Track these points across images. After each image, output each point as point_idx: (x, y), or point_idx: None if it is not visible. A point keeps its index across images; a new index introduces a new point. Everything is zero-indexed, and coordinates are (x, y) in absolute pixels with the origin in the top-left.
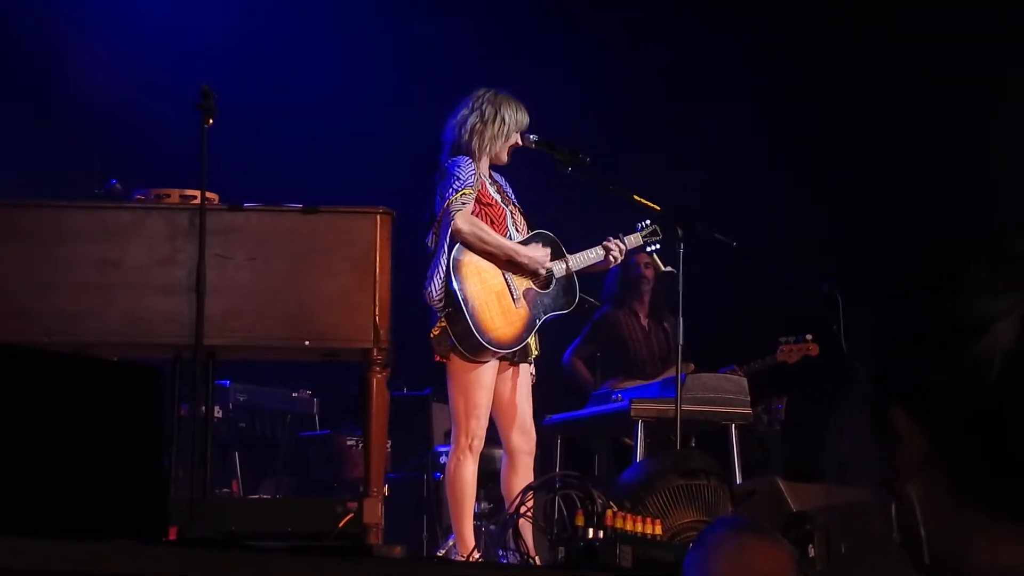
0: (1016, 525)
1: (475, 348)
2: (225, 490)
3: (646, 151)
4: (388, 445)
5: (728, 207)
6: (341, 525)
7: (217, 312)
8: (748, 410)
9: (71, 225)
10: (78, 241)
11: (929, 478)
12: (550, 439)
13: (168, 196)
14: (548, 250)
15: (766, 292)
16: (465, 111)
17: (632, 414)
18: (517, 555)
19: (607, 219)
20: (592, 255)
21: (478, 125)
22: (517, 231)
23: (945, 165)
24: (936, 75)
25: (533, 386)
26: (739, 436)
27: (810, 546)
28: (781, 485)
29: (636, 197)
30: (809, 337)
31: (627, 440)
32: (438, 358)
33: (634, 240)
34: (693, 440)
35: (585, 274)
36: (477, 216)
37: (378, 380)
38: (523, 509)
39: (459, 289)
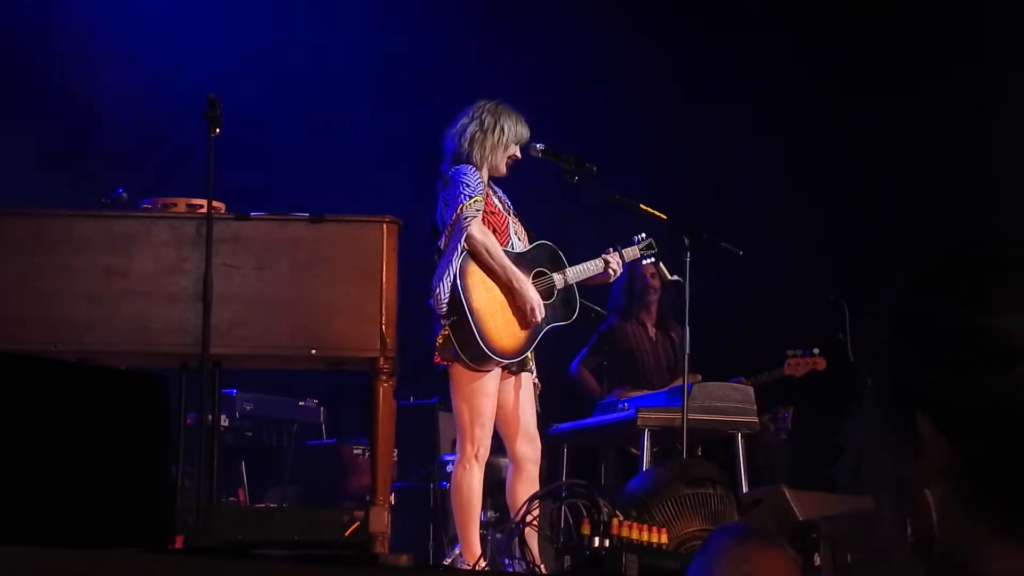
0: None
1: (479, 357)
2: (232, 499)
3: (646, 151)
4: (395, 454)
5: (728, 207)
6: (347, 534)
7: (224, 321)
8: (754, 419)
9: (78, 234)
10: (85, 250)
11: (948, 486)
12: (556, 448)
13: (175, 205)
14: (541, 299)
15: (772, 300)
16: (465, 120)
17: (639, 423)
18: (523, 564)
19: (610, 227)
20: (592, 267)
21: (478, 134)
22: (519, 240)
23: (945, 165)
24: (936, 75)
25: (539, 395)
26: (745, 445)
27: (816, 555)
28: (787, 494)
29: (642, 206)
30: (816, 351)
31: (633, 449)
32: (438, 359)
33: (631, 253)
34: (699, 449)
35: (585, 286)
36: (483, 224)
37: (384, 389)
38: (529, 518)
39: (465, 298)
